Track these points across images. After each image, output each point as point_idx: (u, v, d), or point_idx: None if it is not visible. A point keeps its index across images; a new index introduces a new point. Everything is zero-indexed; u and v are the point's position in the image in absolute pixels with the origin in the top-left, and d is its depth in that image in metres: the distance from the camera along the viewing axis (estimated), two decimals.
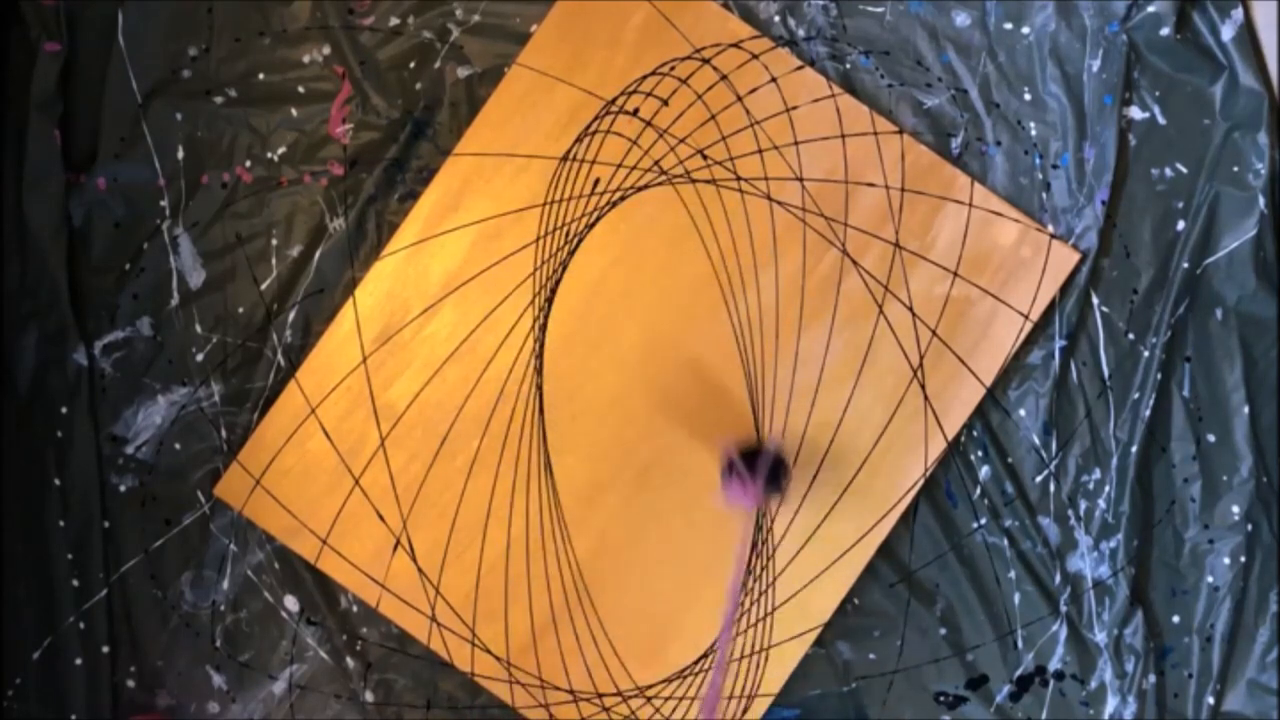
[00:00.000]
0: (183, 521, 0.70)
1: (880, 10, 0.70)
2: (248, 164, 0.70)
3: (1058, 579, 0.69)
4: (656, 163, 0.68)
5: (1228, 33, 0.68)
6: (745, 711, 0.66)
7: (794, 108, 0.68)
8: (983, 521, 0.69)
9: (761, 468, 0.60)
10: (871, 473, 0.67)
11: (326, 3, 0.70)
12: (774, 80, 0.68)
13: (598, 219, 0.68)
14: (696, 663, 0.66)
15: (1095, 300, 0.69)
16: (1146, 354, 0.69)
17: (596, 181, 0.68)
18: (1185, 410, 0.69)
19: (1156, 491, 0.70)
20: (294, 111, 0.71)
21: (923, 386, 0.67)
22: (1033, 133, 0.70)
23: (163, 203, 0.70)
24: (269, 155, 0.70)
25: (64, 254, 0.68)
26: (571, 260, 0.68)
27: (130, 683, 0.69)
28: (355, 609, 0.70)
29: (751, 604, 0.66)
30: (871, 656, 0.69)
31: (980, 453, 0.69)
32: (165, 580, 0.69)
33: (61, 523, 0.68)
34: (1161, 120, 0.69)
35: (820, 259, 0.68)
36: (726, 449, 0.63)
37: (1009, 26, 0.70)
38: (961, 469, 0.69)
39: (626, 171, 0.68)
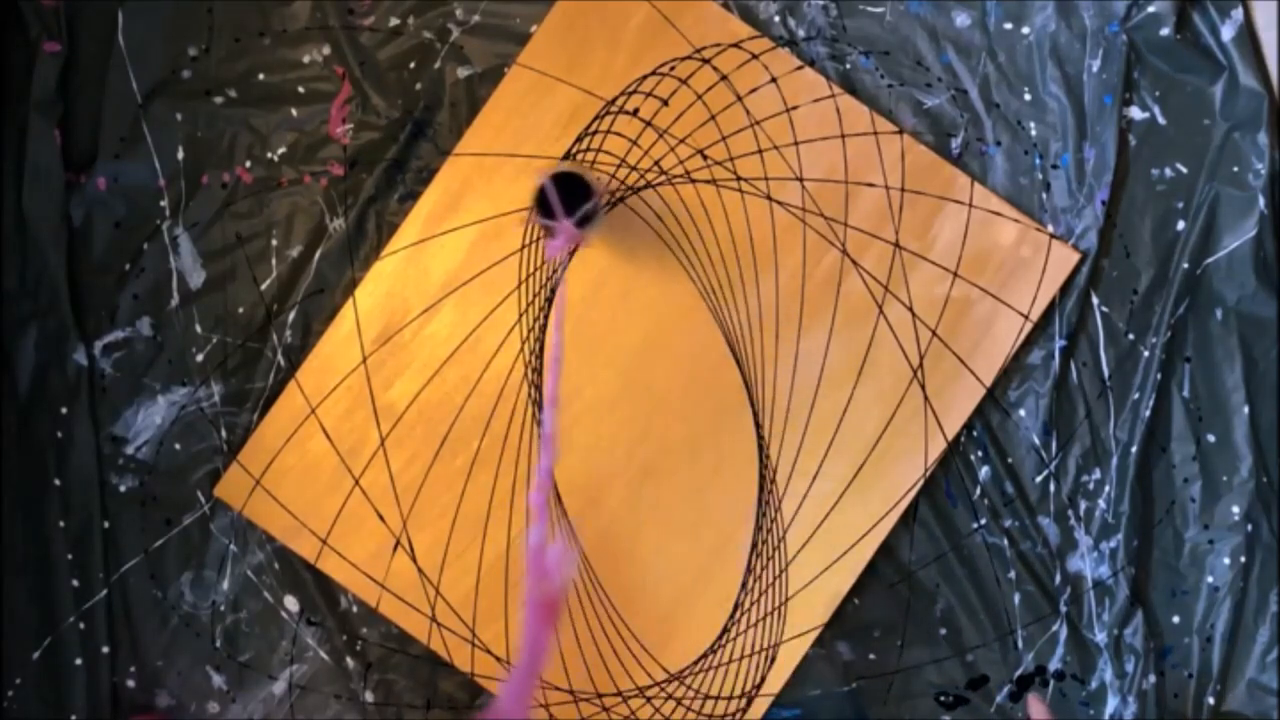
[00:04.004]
0: (183, 521, 0.70)
1: (880, 10, 0.70)
2: (248, 164, 0.70)
3: (1058, 579, 0.69)
4: (656, 163, 0.68)
5: (1228, 33, 0.68)
6: (746, 711, 0.66)
7: (794, 108, 0.68)
8: (983, 521, 0.69)
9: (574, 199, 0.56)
10: (871, 473, 0.67)
11: (326, 3, 0.70)
12: (774, 80, 0.68)
13: None
14: (696, 662, 0.66)
15: (1095, 300, 0.69)
16: (1146, 354, 0.69)
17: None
18: (1185, 410, 0.69)
19: (1156, 491, 0.70)
20: (294, 111, 0.70)
21: (923, 386, 0.67)
22: (1033, 133, 0.70)
23: (163, 203, 0.70)
24: (269, 155, 0.70)
25: (64, 254, 0.68)
26: (571, 260, 0.68)
27: (130, 683, 0.69)
28: (355, 609, 0.70)
29: (752, 604, 0.66)
30: (871, 656, 0.69)
31: (980, 453, 0.69)
32: (165, 580, 0.69)
33: (61, 523, 0.68)
34: (1161, 120, 0.69)
35: (820, 259, 0.68)
36: (540, 179, 0.58)
37: (1009, 26, 0.70)
38: (961, 469, 0.69)
39: (627, 171, 0.68)
